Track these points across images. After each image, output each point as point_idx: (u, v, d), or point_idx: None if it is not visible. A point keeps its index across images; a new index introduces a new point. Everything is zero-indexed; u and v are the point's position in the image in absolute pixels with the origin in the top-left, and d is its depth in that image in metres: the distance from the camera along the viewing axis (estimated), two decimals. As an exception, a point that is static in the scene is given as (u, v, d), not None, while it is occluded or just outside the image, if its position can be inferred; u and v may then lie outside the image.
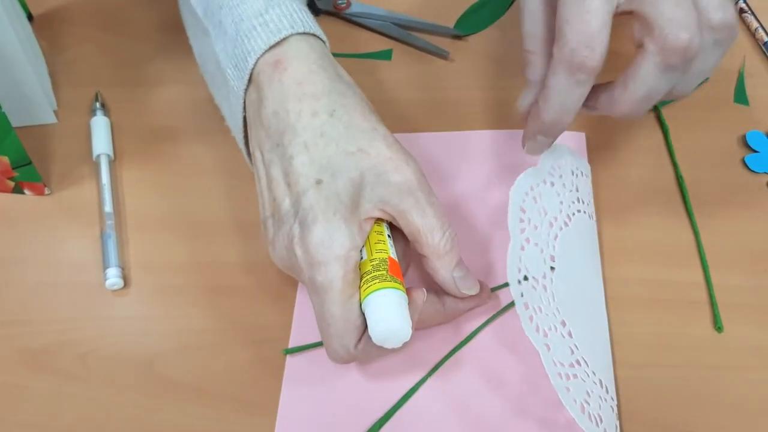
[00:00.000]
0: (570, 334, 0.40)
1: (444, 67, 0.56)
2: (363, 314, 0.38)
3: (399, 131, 0.52)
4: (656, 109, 0.53)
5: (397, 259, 0.40)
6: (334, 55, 0.57)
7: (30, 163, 0.49)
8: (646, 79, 0.38)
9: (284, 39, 0.40)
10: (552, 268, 0.41)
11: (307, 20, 0.42)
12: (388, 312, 0.37)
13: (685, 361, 0.43)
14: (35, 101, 0.53)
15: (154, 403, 0.43)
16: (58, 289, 0.47)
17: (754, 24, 0.57)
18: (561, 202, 0.44)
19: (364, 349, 0.38)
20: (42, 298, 0.46)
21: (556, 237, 0.42)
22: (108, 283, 0.46)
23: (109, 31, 0.60)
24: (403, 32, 0.58)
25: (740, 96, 0.54)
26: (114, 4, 0.61)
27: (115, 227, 0.48)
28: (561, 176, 0.44)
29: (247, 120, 0.42)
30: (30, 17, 0.61)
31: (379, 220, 0.40)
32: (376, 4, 0.59)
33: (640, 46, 0.38)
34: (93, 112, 0.54)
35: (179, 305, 0.46)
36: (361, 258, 0.39)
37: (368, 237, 0.39)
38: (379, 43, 0.58)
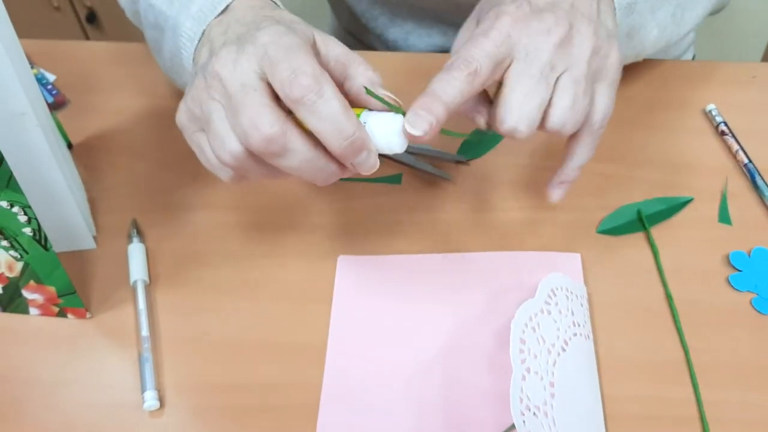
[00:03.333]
0: (571, 457, 0.44)
1: (448, 190, 0.61)
2: None
3: (406, 252, 0.57)
4: (646, 229, 0.58)
5: None
6: (347, 180, 0.62)
7: (74, 292, 0.53)
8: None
9: None
10: (552, 395, 0.45)
11: None
12: None
13: (678, 477, 0.46)
14: (76, 228, 0.58)
15: None
16: (98, 410, 0.51)
17: (735, 146, 0.62)
18: (558, 329, 0.48)
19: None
20: (83, 419, 0.50)
21: (554, 363, 0.46)
22: (146, 405, 0.50)
23: (143, 158, 0.65)
24: (411, 158, 0.63)
25: (724, 216, 0.59)
26: (147, 134, 0.66)
27: (152, 350, 0.53)
28: (557, 303, 0.48)
29: (204, 36, 0.49)
30: (70, 145, 0.66)
31: None
32: (386, 132, 0.65)
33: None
34: (130, 239, 0.58)
35: (213, 426, 0.50)
36: None
37: None
38: (390, 168, 0.63)
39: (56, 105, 0.69)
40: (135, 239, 0.58)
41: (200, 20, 0.50)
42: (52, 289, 0.53)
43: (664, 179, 0.61)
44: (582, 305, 0.52)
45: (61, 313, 0.55)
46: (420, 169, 0.63)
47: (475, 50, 0.44)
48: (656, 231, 0.58)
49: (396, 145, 0.44)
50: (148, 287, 0.57)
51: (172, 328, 0.55)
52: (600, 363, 0.51)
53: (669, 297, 0.54)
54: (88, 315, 0.55)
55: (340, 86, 0.45)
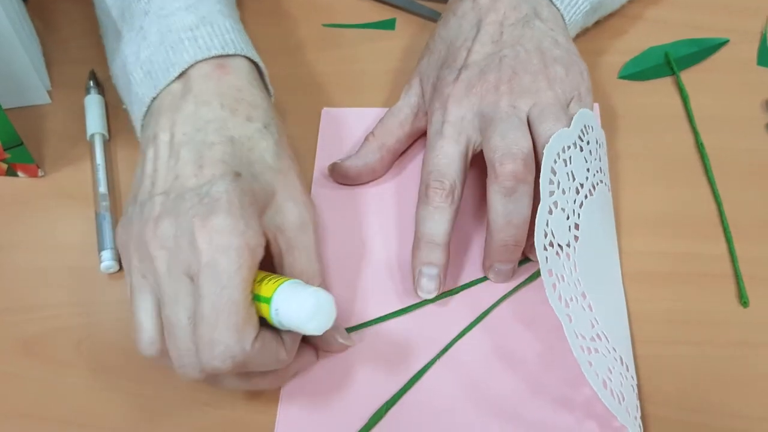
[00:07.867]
0: (590, 307, 0.38)
1: (450, 35, 0.54)
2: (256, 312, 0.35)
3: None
4: (675, 73, 0.51)
5: None
6: (335, 26, 0.55)
7: (22, 144, 0.47)
8: (496, 207, 0.40)
9: (228, 55, 0.41)
10: (576, 237, 0.39)
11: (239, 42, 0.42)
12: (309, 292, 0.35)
13: (708, 338, 0.41)
14: (28, 82, 0.52)
15: (151, 390, 0.41)
16: (52, 273, 0.45)
17: (778, -18, 0.54)
18: (588, 170, 0.41)
19: (260, 348, 0.34)
20: (36, 283, 0.45)
21: (581, 205, 0.40)
22: (103, 266, 0.44)
23: (103, 7, 0.58)
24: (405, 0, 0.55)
25: (763, 58, 0.51)
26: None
27: (110, 208, 0.47)
28: (588, 142, 0.42)
29: (156, 109, 0.40)
30: (23, -4, 0.59)
31: None
32: (378, -28, 0.57)
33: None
34: (87, 91, 0.52)
35: (177, 288, 0.44)
36: None
37: None
38: (382, 12, 0.56)
39: (8, -47, 0.61)
40: (93, 91, 0.52)
41: (150, 79, 0.41)
42: (-5, 140, 0.47)
43: (695, 19, 0.54)
44: (605, 155, 0.45)
45: (11, 171, 0.49)
46: (415, 12, 0.55)
47: (440, 161, 0.42)
48: (686, 75, 0.51)
49: (312, 329, 0.34)
50: (108, 143, 0.50)
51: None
52: (621, 218, 0.45)
53: (700, 145, 0.47)
54: (40, 173, 0.49)
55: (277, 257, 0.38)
